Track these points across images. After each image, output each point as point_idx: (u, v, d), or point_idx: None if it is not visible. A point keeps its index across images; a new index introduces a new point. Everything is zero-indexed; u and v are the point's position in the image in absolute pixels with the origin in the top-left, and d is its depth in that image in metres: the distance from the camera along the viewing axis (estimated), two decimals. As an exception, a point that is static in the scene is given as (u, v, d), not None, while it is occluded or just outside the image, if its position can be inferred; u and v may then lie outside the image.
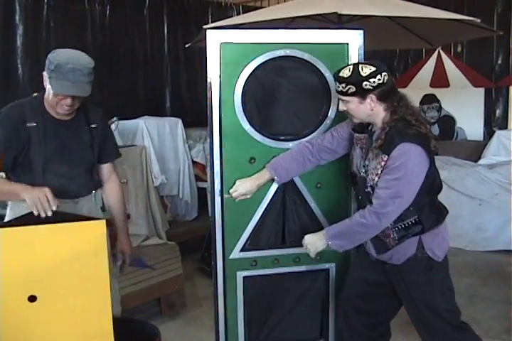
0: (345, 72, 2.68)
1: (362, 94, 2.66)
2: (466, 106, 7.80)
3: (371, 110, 2.70)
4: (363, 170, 2.82)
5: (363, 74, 2.62)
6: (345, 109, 2.78)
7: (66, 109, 2.79)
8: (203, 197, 6.31)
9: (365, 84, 2.62)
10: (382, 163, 2.66)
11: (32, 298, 2.36)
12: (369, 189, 2.77)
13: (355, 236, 2.80)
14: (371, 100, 2.67)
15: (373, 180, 2.72)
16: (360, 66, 2.66)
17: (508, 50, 7.82)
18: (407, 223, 2.73)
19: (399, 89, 2.80)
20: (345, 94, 2.70)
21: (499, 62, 7.90)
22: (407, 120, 2.67)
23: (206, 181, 6.17)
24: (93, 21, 6.53)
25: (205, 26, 4.52)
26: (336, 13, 4.22)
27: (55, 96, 2.73)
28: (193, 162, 6.30)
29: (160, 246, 5.29)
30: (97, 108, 3.09)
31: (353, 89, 2.65)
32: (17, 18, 5.79)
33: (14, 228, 2.42)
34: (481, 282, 4.94)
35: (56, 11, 6.09)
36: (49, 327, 2.41)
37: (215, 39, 3.23)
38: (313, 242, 2.92)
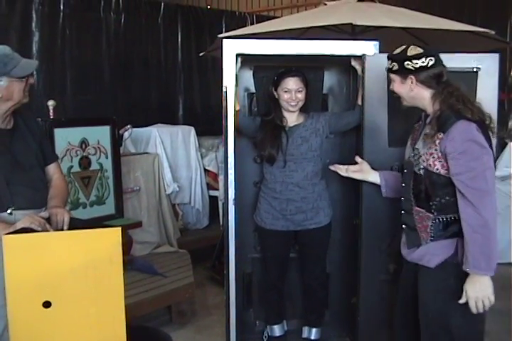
0: (397, 50, 2.72)
1: (403, 73, 2.68)
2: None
3: (411, 91, 2.69)
4: (412, 155, 2.75)
5: (408, 54, 2.63)
6: (392, 88, 2.79)
7: (26, 92, 2.80)
8: (214, 205, 6.33)
9: (407, 64, 2.63)
10: (438, 141, 2.57)
11: (46, 304, 2.37)
12: (421, 171, 2.66)
13: (487, 246, 2.51)
14: (411, 81, 2.67)
15: (427, 160, 2.63)
16: (411, 46, 2.66)
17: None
18: (450, 218, 2.62)
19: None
20: (390, 71, 2.74)
21: (512, 73, 7.89)
22: (457, 109, 2.59)
23: (218, 189, 6.19)
24: (108, 29, 6.60)
25: (220, 35, 4.54)
26: (350, 23, 4.23)
27: (20, 83, 2.73)
28: (205, 170, 6.31)
29: (171, 253, 5.31)
30: (27, 111, 2.99)
31: (396, 66, 2.69)
32: (33, 25, 5.87)
33: (30, 234, 2.44)
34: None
35: (72, 18, 6.17)
36: (63, 333, 2.42)
37: (231, 48, 3.26)
38: (481, 290, 2.58)
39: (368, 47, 3.33)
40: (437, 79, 2.66)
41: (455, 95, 2.62)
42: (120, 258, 2.45)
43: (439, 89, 2.65)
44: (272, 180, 3.65)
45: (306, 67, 3.76)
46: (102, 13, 6.52)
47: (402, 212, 2.86)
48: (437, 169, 2.60)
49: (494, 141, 3.21)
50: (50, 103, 4.43)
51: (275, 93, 3.62)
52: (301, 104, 3.61)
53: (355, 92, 3.66)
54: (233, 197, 3.34)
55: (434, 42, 5.41)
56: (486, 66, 3.25)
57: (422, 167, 2.66)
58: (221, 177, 5.92)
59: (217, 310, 4.54)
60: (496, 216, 2.54)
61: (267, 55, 3.39)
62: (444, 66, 2.70)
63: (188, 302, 4.56)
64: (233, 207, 3.34)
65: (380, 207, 3.24)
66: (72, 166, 4.45)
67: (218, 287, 4.98)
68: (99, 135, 4.65)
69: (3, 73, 2.68)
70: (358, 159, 3.24)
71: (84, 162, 4.55)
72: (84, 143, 4.52)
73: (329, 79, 3.97)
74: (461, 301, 2.56)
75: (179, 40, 7.43)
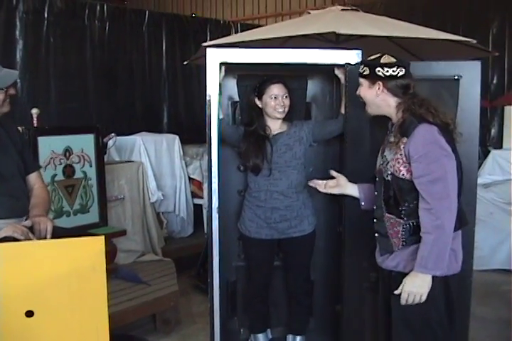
0: (371, 57, 2.83)
1: (373, 78, 2.77)
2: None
3: (377, 96, 2.78)
4: (381, 162, 2.82)
5: (381, 62, 2.74)
6: (358, 92, 2.88)
7: (7, 101, 2.81)
8: (198, 213, 6.32)
9: (378, 70, 2.73)
10: (402, 146, 2.65)
11: (29, 313, 2.35)
12: (389, 177, 2.73)
13: (437, 247, 2.57)
14: (378, 87, 2.76)
15: (393, 166, 2.69)
16: (385, 55, 2.77)
17: (503, 69, 7.88)
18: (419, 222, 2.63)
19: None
20: (361, 75, 2.83)
21: (494, 81, 7.95)
22: (419, 114, 2.68)
23: (202, 198, 6.19)
24: (92, 37, 6.61)
25: (204, 44, 4.54)
26: (334, 32, 4.25)
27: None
28: (190, 179, 6.31)
29: (155, 262, 5.30)
30: (8, 119, 2.97)
31: (367, 71, 2.79)
32: (17, 33, 5.86)
33: (12, 243, 2.43)
34: (477, 301, 4.93)
35: (56, 26, 6.17)
36: (46, 342, 2.41)
37: (215, 57, 3.27)
38: (418, 286, 2.62)
39: (351, 56, 3.35)
40: (404, 89, 2.76)
41: (418, 104, 2.71)
42: (103, 266, 2.45)
43: (404, 99, 2.75)
44: (257, 188, 3.65)
45: (290, 76, 3.77)
46: (87, 21, 6.53)
47: (375, 220, 2.91)
48: (403, 174, 2.67)
49: (477, 149, 3.28)
50: (34, 111, 4.42)
51: (259, 102, 3.62)
52: (287, 110, 3.62)
53: (339, 101, 3.68)
54: (217, 205, 3.34)
55: (416, 51, 5.47)
56: (468, 74, 3.27)
57: (389, 173, 2.73)
58: (205, 186, 5.92)
59: (202, 318, 4.52)
60: (453, 219, 2.59)
61: (251, 64, 3.41)
62: (413, 79, 2.79)
63: (173, 311, 4.54)
64: (217, 215, 3.34)
65: (363, 215, 3.22)
66: (55, 174, 4.44)
67: (203, 295, 4.96)
68: (83, 143, 4.64)
69: None
70: (333, 173, 3.22)
71: (68, 170, 4.54)
72: (68, 152, 4.51)
73: (313, 87, 3.99)
74: (396, 292, 2.65)
75: (164, 48, 7.45)
